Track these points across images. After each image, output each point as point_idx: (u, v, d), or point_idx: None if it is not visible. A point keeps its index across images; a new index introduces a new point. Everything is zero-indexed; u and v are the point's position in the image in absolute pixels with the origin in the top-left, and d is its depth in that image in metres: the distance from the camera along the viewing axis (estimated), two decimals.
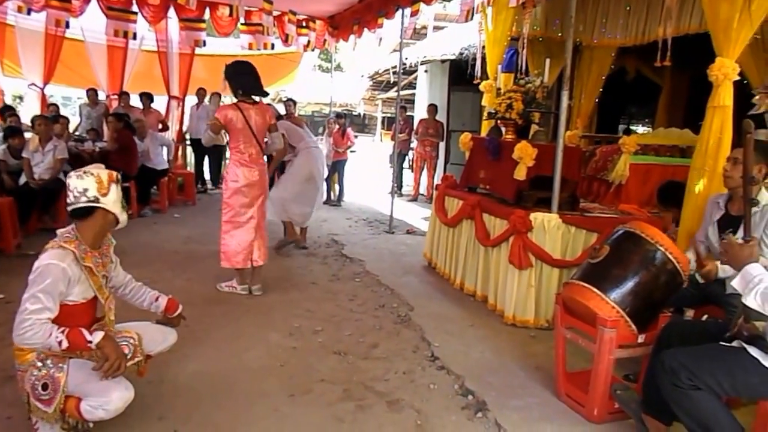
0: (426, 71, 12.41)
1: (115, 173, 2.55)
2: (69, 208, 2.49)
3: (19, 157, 6.44)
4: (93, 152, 7.61)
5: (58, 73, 9.37)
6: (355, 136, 11.03)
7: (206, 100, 10.28)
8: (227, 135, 4.75)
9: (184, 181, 9.39)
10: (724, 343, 2.40)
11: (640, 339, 2.93)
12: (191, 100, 10.56)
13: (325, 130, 10.74)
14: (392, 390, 3.26)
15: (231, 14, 8.51)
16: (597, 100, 7.43)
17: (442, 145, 10.89)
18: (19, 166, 6.44)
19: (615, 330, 2.85)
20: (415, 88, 14.06)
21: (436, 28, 14.40)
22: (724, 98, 3.58)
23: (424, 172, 10.92)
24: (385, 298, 4.92)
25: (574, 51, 5.74)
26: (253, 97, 4.65)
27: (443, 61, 11.02)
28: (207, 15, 8.87)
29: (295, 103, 9.80)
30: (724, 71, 3.53)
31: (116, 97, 9.93)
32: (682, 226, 3.81)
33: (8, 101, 10.62)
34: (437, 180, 8.62)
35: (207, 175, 10.89)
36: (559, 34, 6.75)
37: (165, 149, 8.81)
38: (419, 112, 12.49)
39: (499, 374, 3.52)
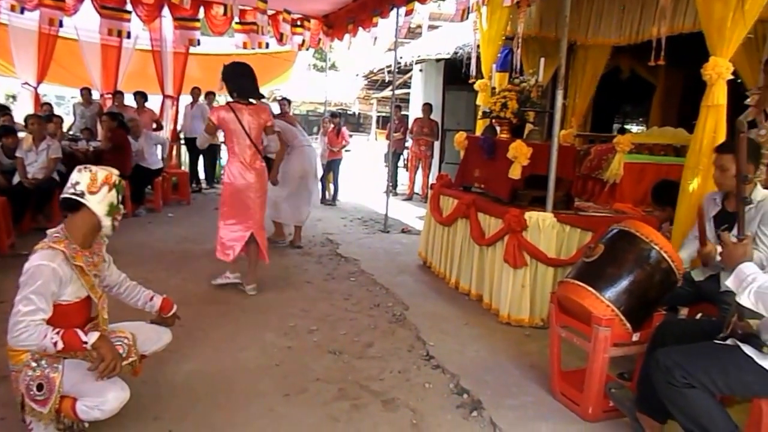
0: (421, 70, 12.39)
1: (115, 178, 2.53)
2: (60, 197, 2.51)
3: (13, 156, 6.41)
4: (87, 151, 7.59)
5: (51, 72, 9.31)
6: (350, 136, 11.01)
7: (200, 99, 10.26)
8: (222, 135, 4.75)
9: (179, 180, 9.36)
10: (718, 342, 2.41)
11: (635, 337, 2.93)
12: (185, 99, 10.53)
13: (320, 130, 10.73)
14: (387, 389, 3.26)
15: (225, 13, 8.50)
16: (591, 100, 7.46)
17: (437, 144, 10.89)
18: (13, 166, 6.41)
19: (610, 328, 2.85)
20: (410, 87, 14.06)
21: (431, 28, 14.35)
22: (717, 97, 3.59)
23: (419, 171, 10.92)
24: (380, 298, 4.92)
25: (569, 50, 5.76)
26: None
27: (438, 61, 11.01)
28: (201, 14, 8.83)
29: (289, 102, 9.75)
30: (718, 70, 3.54)
31: (110, 96, 9.88)
32: (677, 224, 3.82)
33: (1, 100, 10.60)
34: (432, 179, 8.62)
35: (201, 175, 10.87)
36: (554, 34, 6.76)
37: (159, 148, 8.78)
38: (414, 111, 12.48)
39: (494, 373, 3.53)
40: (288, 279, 5.33)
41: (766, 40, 5.07)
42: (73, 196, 2.44)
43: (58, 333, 2.25)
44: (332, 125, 9.81)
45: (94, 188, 2.45)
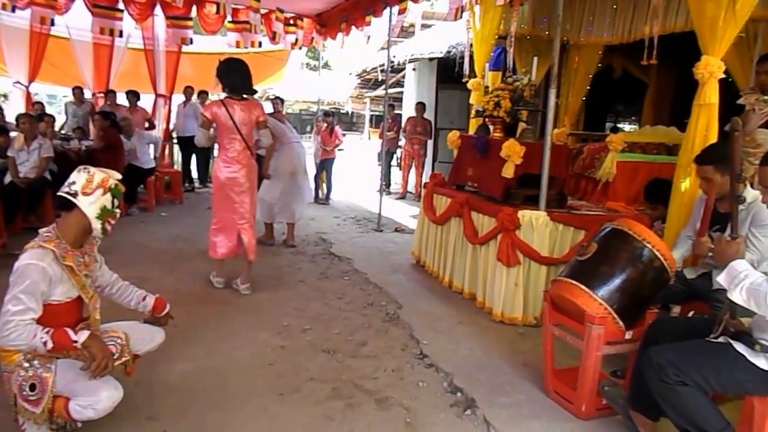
0: (414, 69, 12.41)
1: (112, 182, 2.52)
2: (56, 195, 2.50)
3: (4, 155, 6.36)
4: (79, 151, 7.54)
5: (43, 71, 9.24)
6: (343, 135, 11.01)
7: (193, 98, 10.23)
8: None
9: (171, 179, 9.33)
10: (710, 339, 2.42)
11: (628, 335, 2.95)
12: (178, 98, 10.49)
13: (313, 129, 10.71)
14: (381, 388, 3.27)
15: (218, 12, 8.47)
16: (584, 98, 7.47)
17: (430, 143, 10.90)
18: (4, 165, 6.36)
19: (603, 327, 2.87)
20: (403, 86, 14.06)
21: (424, 26, 14.37)
22: (709, 96, 3.61)
23: (413, 170, 10.91)
24: (373, 297, 4.92)
25: (562, 49, 5.76)
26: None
27: (431, 59, 11.02)
28: (194, 13, 8.79)
29: (282, 101, 9.77)
30: (710, 69, 3.55)
31: (102, 95, 9.83)
32: (669, 223, 3.83)
33: None
34: (425, 178, 8.62)
35: (194, 174, 10.83)
36: (547, 33, 6.78)
37: (152, 147, 8.74)
38: (407, 110, 12.49)
39: (487, 371, 3.53)
40: (281, 278, 5.33)
41: (758, 38, 5.09)
42: (67, 195, 2.43)
43: (47, 332, 2.24)
44: (325, 124, 9.79)
45: (88, 190, 2.44)
